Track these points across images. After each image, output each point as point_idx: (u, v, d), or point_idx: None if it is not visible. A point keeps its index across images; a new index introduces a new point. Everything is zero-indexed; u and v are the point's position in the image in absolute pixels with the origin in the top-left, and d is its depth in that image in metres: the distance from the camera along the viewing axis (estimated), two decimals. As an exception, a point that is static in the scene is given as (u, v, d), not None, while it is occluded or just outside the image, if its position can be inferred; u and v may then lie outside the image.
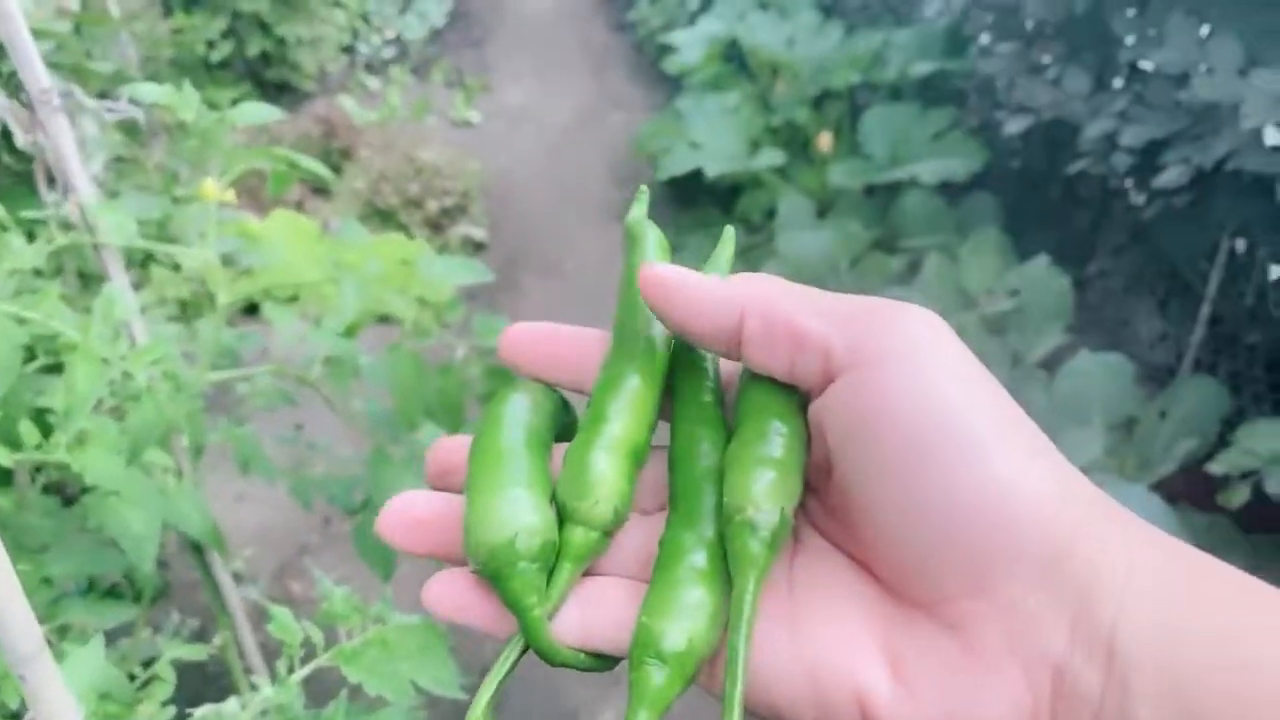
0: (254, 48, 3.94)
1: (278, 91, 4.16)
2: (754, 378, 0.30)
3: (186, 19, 3.53)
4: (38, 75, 0.85)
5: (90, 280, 1.69)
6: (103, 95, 2.61)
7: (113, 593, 1.20)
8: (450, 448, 0.33)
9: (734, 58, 3.31)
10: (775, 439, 0.28)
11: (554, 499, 0.30)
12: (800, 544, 0.30)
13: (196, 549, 1.12)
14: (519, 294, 2.92)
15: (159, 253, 1.58)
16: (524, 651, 0.29)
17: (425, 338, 1.06)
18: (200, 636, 1.70)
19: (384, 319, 2.42)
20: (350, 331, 1.20)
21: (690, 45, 3.36)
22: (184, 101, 0.99)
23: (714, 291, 0.29)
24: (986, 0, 2.39)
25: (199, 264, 1.25)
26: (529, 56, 4.70)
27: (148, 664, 0.97)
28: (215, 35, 3.70)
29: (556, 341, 0.33)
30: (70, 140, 0.88)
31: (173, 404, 0.81)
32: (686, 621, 0.27)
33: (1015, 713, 0.23)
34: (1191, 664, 0.22)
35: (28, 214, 0.91)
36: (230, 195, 1.00)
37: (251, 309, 2.60)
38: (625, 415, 0.30)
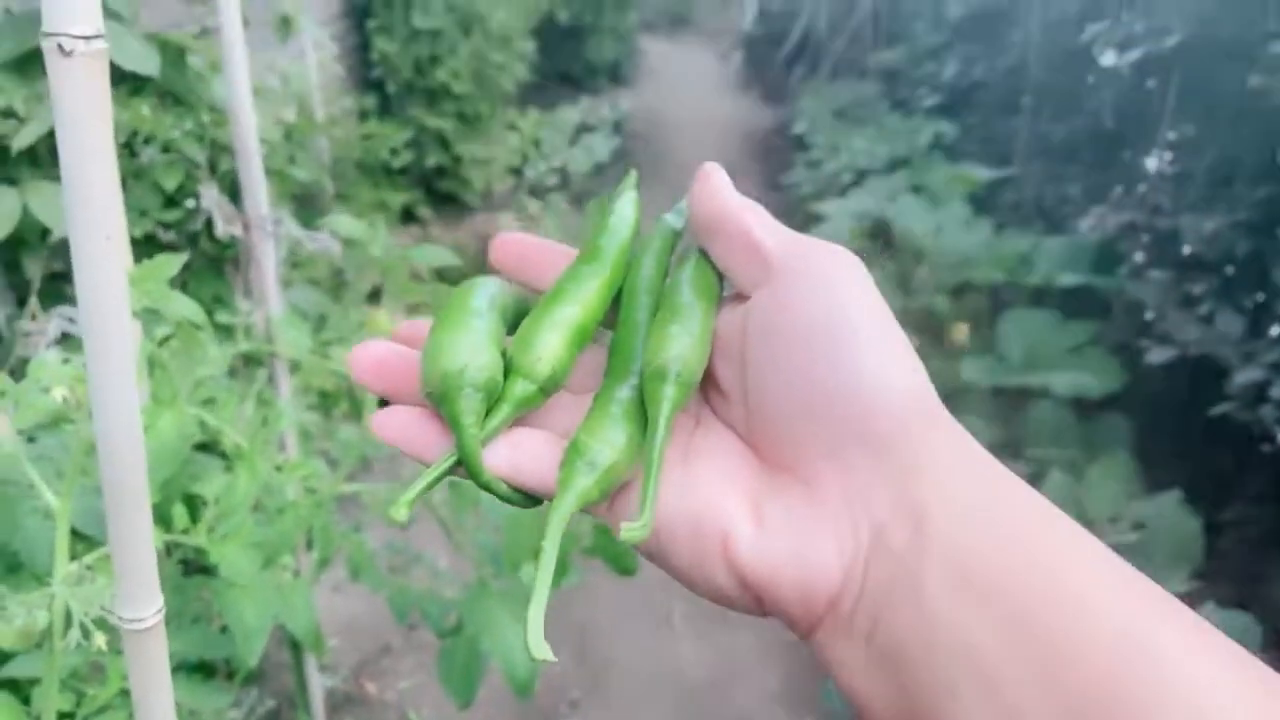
0: (432, 160, 4.26)
1: (445, 201, 4.46)
2: (681, 276, 0.37)
3: (378, 127, 3.86)
4: (260, 203, 0.96)
5: (250, 360, 1.83)
6: (295, 197, 2.85)
7: (205, 666, 1.25)
8: (418, 325, 0.38)
9: (879, 235, 3.38)
10: (691, 319, 0.34)
11: (504, 354, 0.34)
12: (701, 424, 0.36)
13: (294, 645, 1.17)
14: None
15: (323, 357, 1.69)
16: (453, 465, 0.33)
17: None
18: (275, 718, 1.74)
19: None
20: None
21: (838, 217, 3.45)
22: (374, 238, 1.09)
23: (723, 191, 0.36)
24: (1143, 223, 2.39)
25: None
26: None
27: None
28: (399, 145, 4.02)
29: (541, 252, 0.39)
30: (273, 262, 0.98)
31: (310, 515, 0.88)
32: (614, 445, 0.32)
33: (840, 553, 0.29)
34: (975, 537, 0.27)
35: (222, 319, 1.01)
36: (399, 324, 1.09)
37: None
38: (576, 300, 0.36)
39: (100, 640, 0.76)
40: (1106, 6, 2.83)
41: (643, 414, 0.33)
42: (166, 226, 1.87)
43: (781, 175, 5.02)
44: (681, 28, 11.02)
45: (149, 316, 1.09)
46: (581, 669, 2.03)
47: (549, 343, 0.34)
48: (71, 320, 1.17)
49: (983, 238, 2.93)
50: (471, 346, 0.33)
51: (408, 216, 4.24)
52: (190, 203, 1.90)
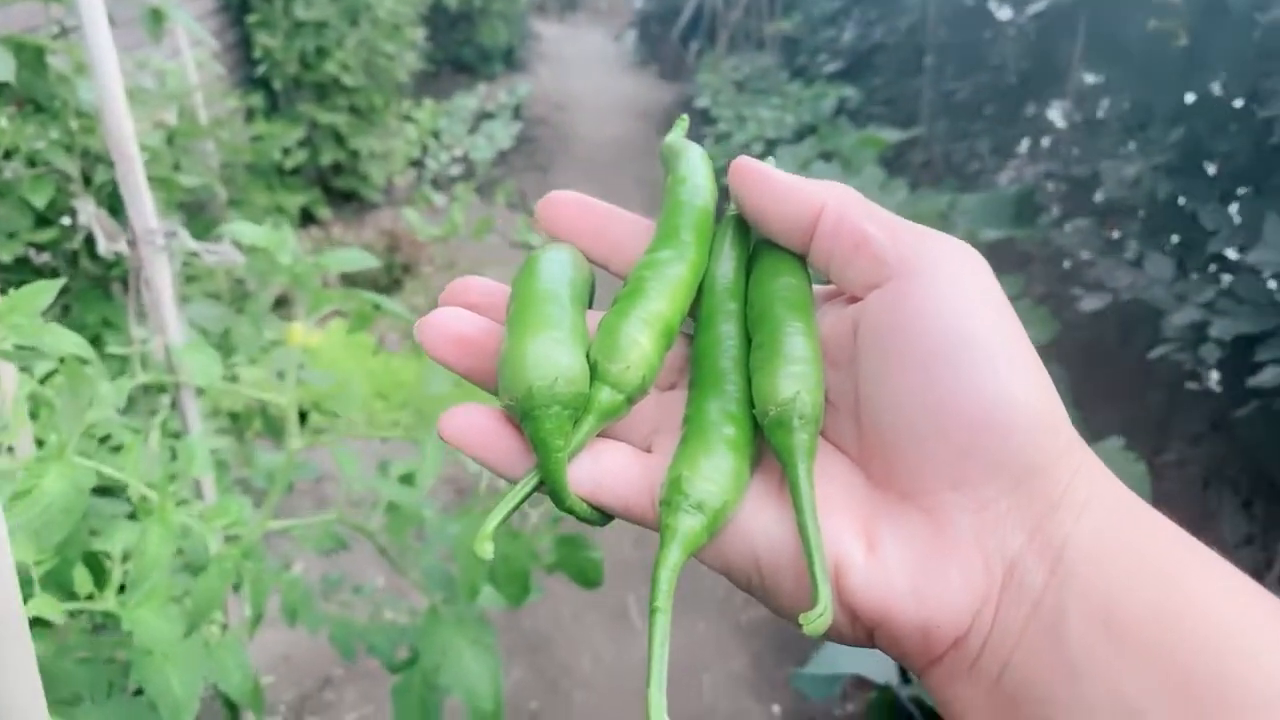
0: (327, 157, 4.06)
1: (344, 200, 4.27)
2: (767, 275, 0.34)
3: (267, 126, 3.65)
4: (146, 215, 0.85)
5: (152, 387, 1.67)
6: (184, 206, 2.66)
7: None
8: (474, 287, 0.34)
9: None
10: (795, 343, 0.31)
11: (588, 355, 0.31)
12: None
13: (229, 705, 1.06)
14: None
15: (232, 381, 1.55)
16: (534, 489, 0.30)
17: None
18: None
19: (460, 491, 2.39)
20: (410, 479, 1.15)
21: (754, 189, 3.41)
22: (280, 244, 0.98)
23: (797, 186, 0.32)
24: (1060, 172, 2.40)
25: (259, 384, 1.23)
26: (591, 185, 4.81)
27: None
28: (292, 144, 3.82)
29: (593, 214, 0.36)
30: (168, 281, 0.86)
31: (237, 567, 0.77)
32: (719, 481, 0.29)
33: (970, 592, 0.27)
34: (1119, 579, 0.25)
35: (113, 350, 0.89)
36: (315, 339, 0.98)
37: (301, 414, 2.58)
38: (664, 295, 0.32)
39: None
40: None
41: (746, 437, 0.31)
42: (40, 248, 1.70)
43: (689, 150, 4.96)
44: (572, 9, 10.87)
45: (27, 354, 0.95)
46: (538, 677, 1.94)
47: (638, 346, 0.31)
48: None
49: (900, 198, 2.92)
50: (558, 354, 0.30)
51: (306, 218, 4.04)
52: (66, 220, 1.73)
